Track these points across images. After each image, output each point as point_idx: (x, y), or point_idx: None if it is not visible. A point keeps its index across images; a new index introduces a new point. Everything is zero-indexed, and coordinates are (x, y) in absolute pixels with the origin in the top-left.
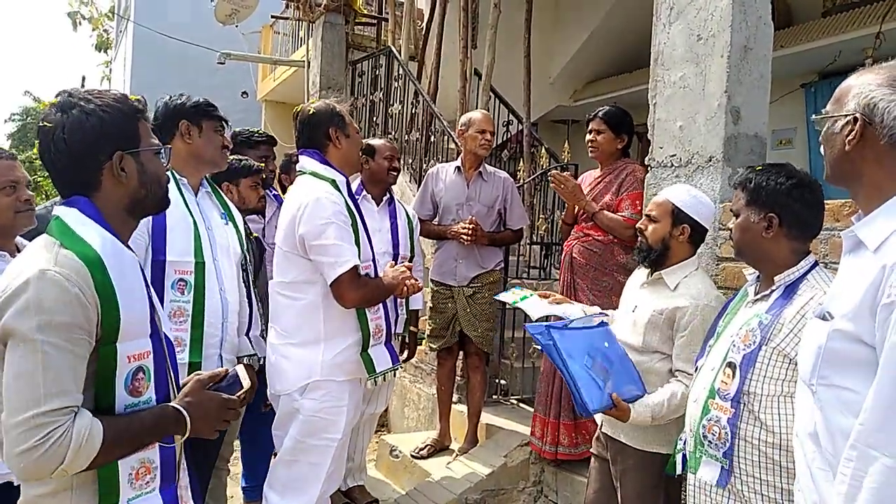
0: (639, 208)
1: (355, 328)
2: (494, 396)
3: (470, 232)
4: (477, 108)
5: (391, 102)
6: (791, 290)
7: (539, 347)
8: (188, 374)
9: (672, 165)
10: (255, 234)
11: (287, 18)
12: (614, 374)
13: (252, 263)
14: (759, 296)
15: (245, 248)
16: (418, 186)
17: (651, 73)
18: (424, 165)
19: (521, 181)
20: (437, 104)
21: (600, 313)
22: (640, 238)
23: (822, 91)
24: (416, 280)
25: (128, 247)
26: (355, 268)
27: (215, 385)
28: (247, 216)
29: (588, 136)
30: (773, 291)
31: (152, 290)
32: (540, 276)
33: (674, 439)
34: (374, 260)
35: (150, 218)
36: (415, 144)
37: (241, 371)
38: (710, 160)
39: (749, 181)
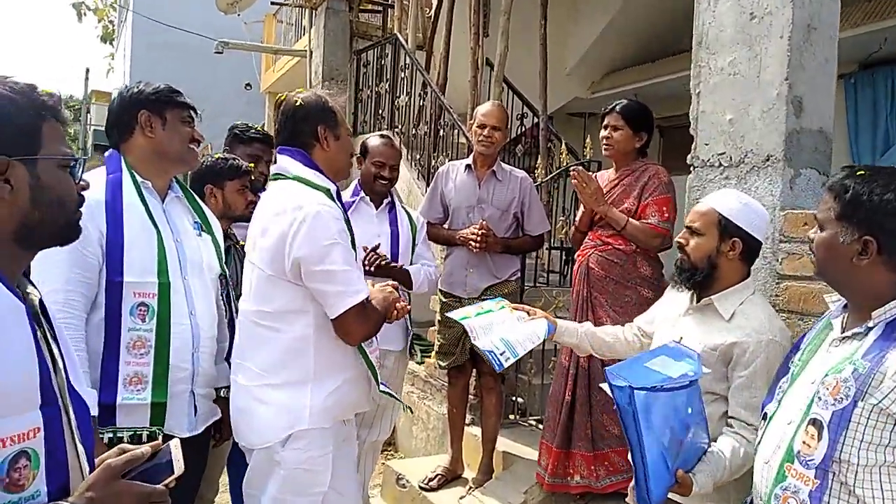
0: (667, 215)
1: (350, 363)
2: (511, 417)
3: (480, 238)
4: (489, 99)
5: (398, 94)
6: (895, 329)
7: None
8: (151, 417)
9: (720, 165)
10: (241, 243)
11: (288, 5)
12: (688, 444)
13: (236, 278)
14: (849, 333)
15: (224, 262)
16: (427, 184)
17: (693, 58)
18: (433, 161)
19: (539, 179)
20: (446, 96)
21: (675, 343)
22: (680, 256)
23: (863, 82)
24: (405, 302)
25: (13, 289)
26: (366, 299)
27: (138, 468)
28: (233, 223)
29: (603, 133)
30: (870, 330)
31: (60, 338)
32: (560, 282)
33: (732, 498)
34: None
35: (103, 231)
36: (423, 139)
37: (174, 449)
38: (768, 160)
39: (845, 189)
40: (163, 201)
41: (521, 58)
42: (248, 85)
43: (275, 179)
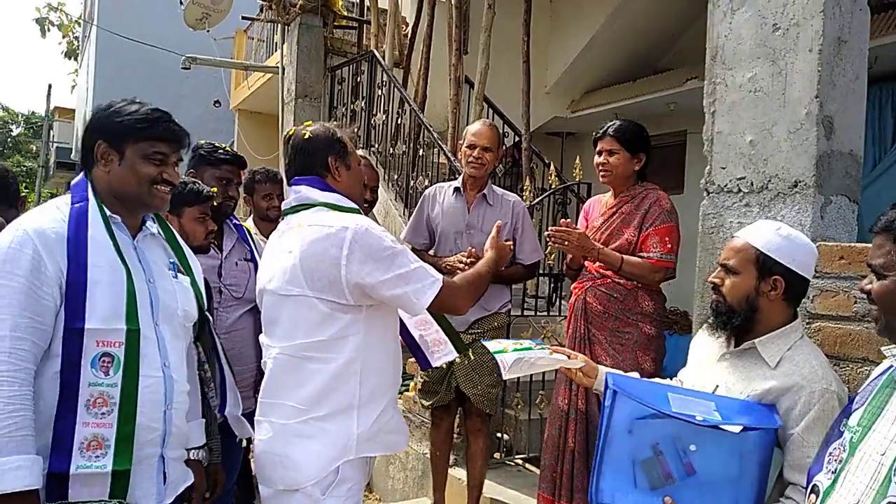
0: (669, 246)
1: (391, 382)
2: (496, 456)
3: (468, 266)
4: (469, 118)
5: (374, 112)
6: None
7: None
8: (111, 488)
9: (740, 191)
10: None
11: (259, 20)
12: (685, 492)
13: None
14: None
15: (205, 306)
16: (405, 205)
17: (707, 74)
18: (412, 182)
19: (527, 202)
20: (425, 114)
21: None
22: (715, 297)
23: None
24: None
25: None
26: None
27: None
28: (195, 253)
29: (597, 159)
30: None
31: None
32: (548, 309)
33: None
34: None
35: (63, 269)
36: (400, 158)
37: None
38: (796, 185)
39: None
40: (134, 238)
41: (501, 75)
42: (217, 102)
43: (295, 211)
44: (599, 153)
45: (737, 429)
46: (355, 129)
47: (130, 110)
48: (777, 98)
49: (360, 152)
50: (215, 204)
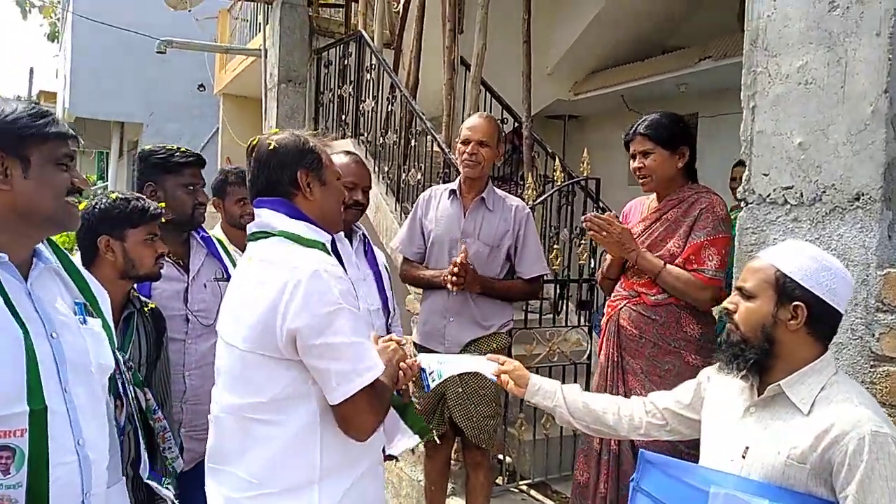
0: (722, 261)
1: (367, 448)
2: (499, 482)
3: (456, 273)
4: (465, 103)
5: (363, 98)
6: None
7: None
8: None
9: (786, 203)
10: (151, 305)
11: None
12: None
13: (147, 357)
14: None
15: (119, 347)
16: (396, 199)
17: (745, 62)
18: (403, 174)
19: (529, 199)
20: (417, 100)
21: None
22: (728, 326)
23: None
24: (414, 358)
25: None
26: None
27: None
28: (141, 282)
29: (633, 164)
30: None
31: None
32: (553, 320)
33: None
34: None
35: None
36: (391, 149)
37: None
38: (858, 199)
39: None
40: (27, 279)
41: (499, 56)
42: (201, 86)
43: (255, 239)
44: (633, 157)
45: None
46: (333, 137)
47: (16, 108)
48: (834, 92)
49: (347, 142)
50: (166, 220)
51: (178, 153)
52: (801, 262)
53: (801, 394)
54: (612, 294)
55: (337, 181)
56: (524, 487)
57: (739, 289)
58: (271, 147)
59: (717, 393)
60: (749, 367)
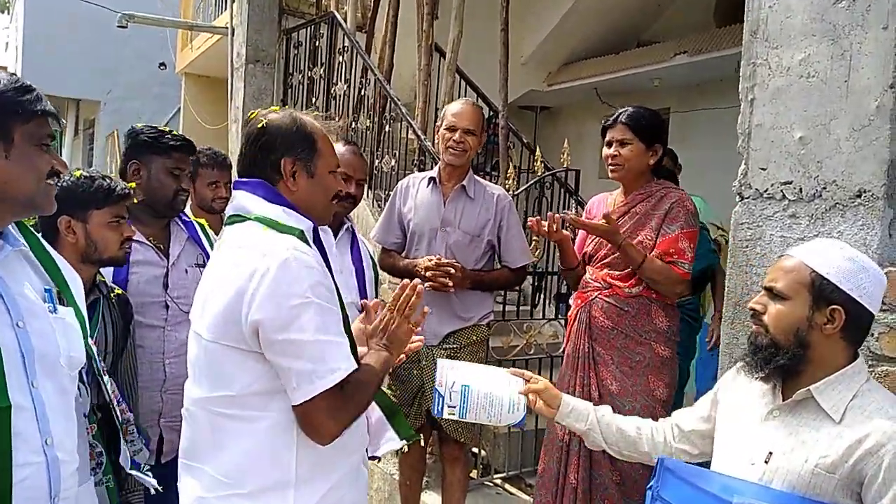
0: (692, 255)
1: (350, 449)
2: (473, 475)
3: (432, 272)
4: (439, 90)
5: (334, 80)
6: None
7: None
8: None
9: (784, 198)
10: (118, 291)
11: None
12: None
13: (113, 345)
14: None
15: (91, 341)
16: (369, 186)
17: (744, 54)
18: (377, 161)
19: (510, 190)
20: (391, 84)
21: None
22: (755, 328)
23: None
24: (421, 339)
25: None
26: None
27: None
28: (105, 266)
29: (607, 151)
30: None
31: None
32: (531, 313)
33: None
34: None
35: None
36: (364, 133)
37: None
38: (860, 195)
39: None
40: None
41: (474, 44)
42: (162, 64)
43: (231, 223)
44: (609, 144)
45: None
46: (342, 124)
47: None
48: (838, 86)
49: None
50: (137, 201)
51: (168, 134)
52: (838, 263)
53: (831, 400)
54: (581, 285)
55: (330, 174)
56: (498, 481)
57: (769, 289)
58: (261, 126)
59: (735, 395)
60: (777, 371)
